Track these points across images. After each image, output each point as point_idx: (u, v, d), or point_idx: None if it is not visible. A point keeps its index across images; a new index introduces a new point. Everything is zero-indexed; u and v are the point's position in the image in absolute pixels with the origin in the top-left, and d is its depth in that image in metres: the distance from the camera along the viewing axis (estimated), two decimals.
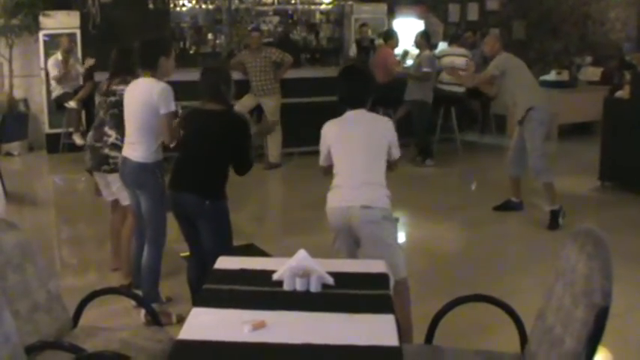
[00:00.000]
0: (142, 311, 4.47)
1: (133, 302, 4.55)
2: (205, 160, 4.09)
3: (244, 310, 2.66)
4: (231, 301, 2.76)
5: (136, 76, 4.69)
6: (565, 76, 11.33)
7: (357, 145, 3.92)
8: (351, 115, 4.03)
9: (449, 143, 10.26)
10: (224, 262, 3.21)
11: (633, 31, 12.45)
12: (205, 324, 2.56)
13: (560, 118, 11.07)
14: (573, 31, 12.89)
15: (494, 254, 6.08)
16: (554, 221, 6.68)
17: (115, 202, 5.26)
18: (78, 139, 9.74)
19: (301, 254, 2.93)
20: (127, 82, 4.78)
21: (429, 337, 3.12)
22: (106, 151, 4.96)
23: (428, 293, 4.74)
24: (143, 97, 4.36)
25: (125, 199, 4.94)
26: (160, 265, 4.54)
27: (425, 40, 9.76)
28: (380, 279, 3.02)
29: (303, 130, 9.40)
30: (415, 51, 11.69)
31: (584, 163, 9.08)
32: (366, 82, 4.12)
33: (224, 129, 4.12)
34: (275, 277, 2.93)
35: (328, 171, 4.10)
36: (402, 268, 3.82)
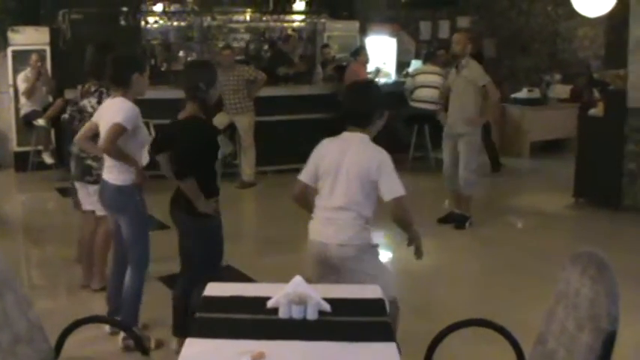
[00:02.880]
0: (120, 336, 4.36)
1: (107, 329, 4.46)
2: (184, 175, 3.95)
3: (241, 340, 2.56)
4: (226, 331, 2.66)
5: (107, 85, 4.65)
6: (536, 93, 11.45)
7: (341, 172, 3.64)
8: (348, 136, 3.76)
9: (423, 160, 10.26)
10: (214, 289, 3.10)
11: (600, 49, 12.60)
12: (202, 355, 2.46)
13: (532, 136, 11.17)
14: (543, 48, 13.03)
15: (477, 274, 6.05)
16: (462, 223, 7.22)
17: (90, 213, 5.25)
18: (47, 158, 9.55)
19: (297, 280, 2.84)
20: (97, 94, 4.84)
21: None
22: (89, 162, 4.96)
23: (417, 316, 4.69)
24: (108, 120, 4.21)
25: (101, 210, 4.87)
26: (142, 291, 4.40)
27: None
28: (377, 305, 2.95)
29: (277, 148, 9.37)
30: (385, 68, 11.76)
31: (557, 180, 9.15)
32: (376, 100, 3.80)
33: (188, 137, 3.97)
34: (270, 304, 2.83)
35: (301, 195, 3.83)
36: (391, 288, 3.70)
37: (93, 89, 5.03)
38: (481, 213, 7.53)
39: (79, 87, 5.23)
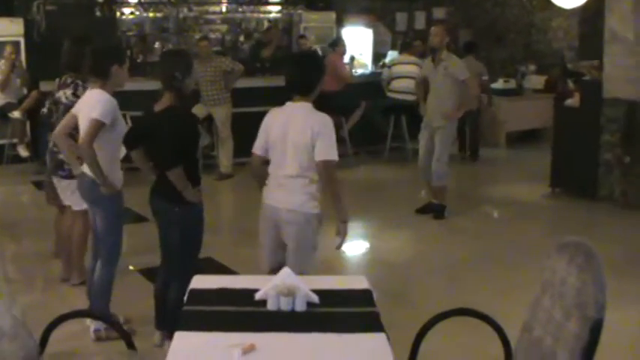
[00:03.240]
0: (91, 328, 4.35)
1: (89, 322, 4.41)
2: (164, 163, 3.96)
3: (230, 333, 2.56)
4: (215, 324, 2.66)
5: (84, 78, 4.61)
6: (512, 84, 11.53)
7: (287, 140, 3.80)
8: (291, 105, 3.90)
9: (400, 151, 10.30)
10: (200, 282, 3.09)
11: (575, 40, 12.72)
12: (192, 349, 2.45)
13: (508, 126, 11.25)
14: (518, 39, 13.11)
15: (455, 264, 6.09)
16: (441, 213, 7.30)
17: (65, 208, 5.22)
18: (23, 151, 9.40)
19: (285, 272, 2.84)
20: (72, 85, 4.76)
21: (413, 355, 3.06)
22: (62, 156, 4.85)
23: (397, 306, 4.71)
24: (89, 112, 4.15)
25: (77, 205, 4.85)
26: (112, 284, 4.36)
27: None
28: (364, 296, 2.96)
29: (254, 139, 9.31)
30: (362, 58, 11.78)
31: (533, 170, 9.22)
32: (315, 68, 3.97)
33: (170, 127, 3.95)
34: (258, 296, 2.83)
35: (259, 169, 4.01)
36: (313, 266, 3.85)
37: (69, 81, 4.97)
38: (458, 203, 7.59)
39: (57, 80, 5.16)
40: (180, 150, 3.94)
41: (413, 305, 4.90)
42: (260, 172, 4.04)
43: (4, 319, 2.96)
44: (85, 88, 4.75)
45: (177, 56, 4.32)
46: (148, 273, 5.46)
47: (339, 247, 3.91)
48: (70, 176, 4.85)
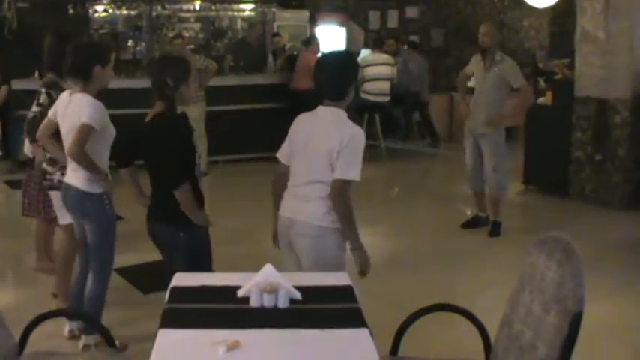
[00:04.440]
0: (66, 327, 4.25)
1: (66, 332, 4.29)
2: (163, 181, 3.64)
3: (214, 330, 2.55)
4: (198, 321, 2.65)
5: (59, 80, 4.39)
6: None
7: (311, 144, 3.48)
8: (322, 109, 3.56)
9: (373, 150, 10.34)
10: (182, 279, 3.08)
11: (545, 39, 12.88)
12: (176, 346, 2.44)
13: None
14: None
15: (429, 260, 6.13)
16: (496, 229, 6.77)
17: (51, 220, 4.96)
18: None
19: (267, 269, 2.84)
20: (54, 86, 4.46)
21: (395, 349, 3.09)
22: (44, 165, 4.51)
23: (376, 303, 4.74)
24: (73, 120, 3.89)
25: (63, 219, 4.53)
26: (104, 298, 4.15)
27: None
28: (346, 291, 2.97)
29: (228, 138, 9.33)
30: None
31: None
32: (349, 70, 3.61)
33: (169, 138, 3.63)
34: (240, 293, 2.82)
35: (280, 178, 3.63)
36: None
37: (48, 84, 4.57)
38: (430, 200, 7.63)
39: (42, 80, 4.81)
40: (185, 163, 3.62)
41: (391, 302, 4.92)
42: (279, 184, 3.66)
43: None
44: (50, 95, 4.45)
45: (163, 61, 4.05)
46: (126, 272, 5.44)
47: (362, 275, 3.53)
48: (53, 187, 4.49)
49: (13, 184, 8.02)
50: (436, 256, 6.23)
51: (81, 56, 3.98)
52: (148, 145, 3.73)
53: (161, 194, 3.68)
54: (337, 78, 3.54)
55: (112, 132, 4.04)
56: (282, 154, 3.66)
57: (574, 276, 2.52)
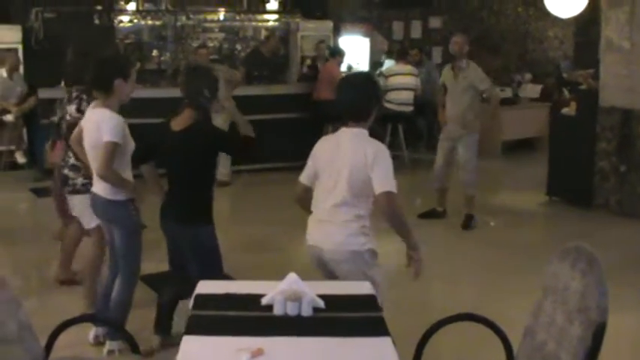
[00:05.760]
0: (92, 332, 4.34)
1: (91, 339, 4.37)
2: (184, 185, 3.88)
3: (238, 337, 2.58)
4: (222, 328, 2.68)
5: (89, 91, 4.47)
6: (508, 92, 11.60)
7: (336, 166, 3.50)
8: (344, 131, 3.61)
9: (397, 160, 10.32)
10: (206, 287, 3.11)
11: (570, 49, 12.83)
12: (200, 353, 2.48)
13: (504, 135, 11.30)
14: (513, 48, 13.20)
15: (453, 270, 6.12)
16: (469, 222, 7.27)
17: (71, 220, 5.14)
18: (20, 158, 9.37)
19: (291, 277, 2.87)
20: (76, 101, 4.66)
21: (417, 358, 3.09)
22: (66, 171, 4.73)
23: (400, 312, 4.74)
24: (93, 135, 4.01)
25: (88, 224, 4.68)
26: (130, 303, 4.25)
27: None
28: (369, 301, 2.99)
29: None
30: (359, 67, 11.82)
31: (530, 179, 9.26)
32: (371, 92, 3.65)
33: (197, 147, 3.86)
34: (264, 301, 2.85)
35: (302, 197, 3.70)
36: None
37: (74, 95, 4.81)
38: (456, 210, 7.61)
39: (66, 92, 4.99)
40: (213, 169, 3.95)
41: (414, 312, 4.92)
42: (303, 200, 3.72)
43: (11, 324, 2.98)
44: (89, 102, 4.53)
45: (203, 74, 4.17)
46: (148, 279, 5.48)
47: (416, 275, 3.65)
48: (75, 191, 4.70)
49: (39, 192, 8.12)
50: (461, 266, 6.22)
51: (102, 69, 4.07)
52: (180, 150, 3.90)
53: (179, 196, 3.95)
54: (361, 99, 3.58)
55: (132, 144, 4.11)
56: (304, 176, 3.71)
57: (598, 286, 2.52)
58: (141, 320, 4.57)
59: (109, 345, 4.16)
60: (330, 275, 3.57)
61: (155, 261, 5.54)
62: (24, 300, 5.07)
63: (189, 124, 3.88)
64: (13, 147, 9.49)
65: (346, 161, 3.47)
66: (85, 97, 4.71)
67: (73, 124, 4.56)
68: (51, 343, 3.15)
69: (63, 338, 3.18)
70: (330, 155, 3.57)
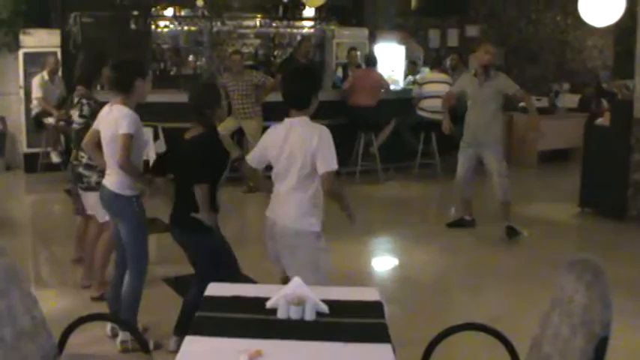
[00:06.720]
0: (108, 325, 4.49)
1: (108, 331, 4.51)
2: (185, 191, 4.09)
3: (238, 339, 2.60)
4: (224, 330, 2.71)
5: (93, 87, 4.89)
6: (545, 102, 11.45)
7: (286, 154, 3.86)
8: (289, 120, 3.95)
9: (429, 168, 10.29)
10: (215, 289, 3.15)
11: (610, 59, 12.63)
12: (200, 353, 2.50)
13: (540, 145, 11.15)
14: (551, 58, 13.05)
15: (479, 279, 6.08)
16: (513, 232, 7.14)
17: (89, 217, 5.34)
18: (55, 157, 9.56)
19: (296, 282, 2.88)
20: (78, 106, 4.96)
21: None
22: (80, 169, 5.04)
23: (418, 321, 4.73)
24: (111, 129, 4.19)
25: (101, 217, 4.96)
26: (141, 294, 4.38)
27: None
28: (375, 307, 2.99)
29: None
30: (394, 75, 11.81)
31: (564, 190, 9.15)
32: (311, 83, 4.03)
33: (204, 151, 4.09)
34: (269, 304, 2.88)
35: (251, 174, 4.21)
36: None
37: (75, 101, 5.12)
38: (487, 220, 7.54)
39: (76, 92, 5.27)
40: (210, 170, 4.08)
41: (432, 320, 4.89)
42: (252, 176, 4.29)
43: (25, 319, 3.04)
44: (90, 106, 4.95)
45: (203, 92, 4.39)
46: (174, 283, 5.54)
47: (352, 220, 4.02)
48: (90, 189, 5.03)
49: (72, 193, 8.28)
50: (487, 276, 6.17)
51: (123, 71, 4.26)
52: (187, 158, 4.12)
53: (181, 202, 4.16)
54: (302, 90, 3.96)
55: (144, 139, 4.43)
56: (251, 158, 4.10)
57: (601, 299, 2.48)
58: (158, 318, 4.65)
59: (121, 335, 4.31)
60: (276, 247, 3.96)
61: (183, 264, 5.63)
62: (52, 297, 5.27)
63: (194, 135, 4.16)
64: (49, 148, 9.70)
65: (294, 148, 3.84)
66: (85, 101, 5.04)
67: (80, 129, 4.87)
68: (64, 339, 3.21)
69: (81, 332, 3.25)
70: (280, 144, 3.89)
